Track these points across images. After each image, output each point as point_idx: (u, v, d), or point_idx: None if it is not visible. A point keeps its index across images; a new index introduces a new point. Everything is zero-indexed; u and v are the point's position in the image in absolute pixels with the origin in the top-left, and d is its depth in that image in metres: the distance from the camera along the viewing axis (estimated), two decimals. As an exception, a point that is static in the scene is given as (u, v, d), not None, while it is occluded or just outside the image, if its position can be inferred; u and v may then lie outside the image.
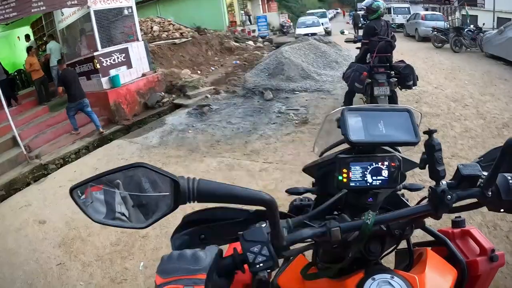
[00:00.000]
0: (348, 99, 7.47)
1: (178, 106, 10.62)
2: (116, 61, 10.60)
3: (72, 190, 0.80)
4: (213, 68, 15.21)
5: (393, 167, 1.06)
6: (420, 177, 4.66)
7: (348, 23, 36.42)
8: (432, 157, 0.99)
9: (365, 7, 7.85)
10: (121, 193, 0.80)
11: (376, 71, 6.74)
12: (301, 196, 1.41)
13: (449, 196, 0.96)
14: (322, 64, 12.38)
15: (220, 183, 0.83)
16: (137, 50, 11.36)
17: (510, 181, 0.99)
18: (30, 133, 8.94)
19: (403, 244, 1.21)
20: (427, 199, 1.02)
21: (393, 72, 6.85)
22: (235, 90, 11.11)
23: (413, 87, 7.13)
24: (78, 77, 9.01)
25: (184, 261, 0.82)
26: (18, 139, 7.85)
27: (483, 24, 17.76)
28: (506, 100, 8.51)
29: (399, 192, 1.29)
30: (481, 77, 10.96)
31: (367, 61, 7.07)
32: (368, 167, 1.05)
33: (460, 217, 1.35)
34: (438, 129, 6.64)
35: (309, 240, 1.01)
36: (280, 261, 1.03)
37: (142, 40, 11.91)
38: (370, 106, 1.14)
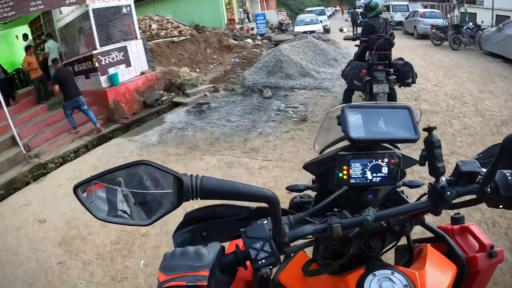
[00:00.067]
0: (347, 97, 7.48)
1: (177, 104, 10.61)
2: (115, 60, 10.59)
3: (76, 188, 0.80)
4: (212, 66, 15.23)
5: (393, 164, 1.06)
6: (419, 174, 4.67)
7: (346, 20, 36.40)
8: (431, 154, 0.99)
9: (363, 5, 7.85)
10: (123, 191, 0.80)
11: (375, 69, 6.74)
12: (301, 193, 1.43)
13: (449, 193, 0.97)
14: (321, 62, 12.39)
15: (222, 180, 0.83)
16: (136, 49, 11.35)
17: (509, 177, 1.00)
18: (29, 132, 8.91)
19: (403, 241, 1.21)
20: (426, 195, 1.02)
21: (392, 69, 6.85)
22: (234, 88, 11.12)
23: (412, 85, 7.13)
24: (73, 75, 8.99)
25: (187, 258, 0.82)
26: (17, 138, 7.84)
27: (482, 21, 17.75)
28: (505, 98, 8.52)
29: (399, 189, 1.29)
30: (480, 74, 10.97)
31: (366, 59, 7.06)
32: (368, 164, 1.06)
33: (459, 213, 1.35)
34: (437, 126, 6.66)
35: (310, 236, 1.01)
36: (281, 258, 1.04)
37: (141, 38, 11.91)
38: (370, 104, 1.14)
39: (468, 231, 1.30)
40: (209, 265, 0.81)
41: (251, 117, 8.57)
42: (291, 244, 0.97)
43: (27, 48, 11.01)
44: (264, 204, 0.88)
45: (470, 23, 17.10)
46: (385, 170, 1.07)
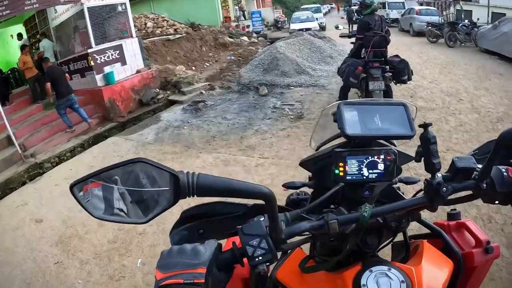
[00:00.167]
0: (343, 94, 7.49)
1: (173, 103, 10.61)
2: (110, 58, 10.56)
3: (72, 187, 0.80)
4: (208, 64, 15.20)
5: (389, 161, 1.07)
6: (415, 170, 4.68)
7: (342, 18, 36.46)
8: (427, 150, 1.00)
9: (359, 2, 7.86)
10: (119, 189, 0.81)
11: (371, 66, 6.75)
12: (297, 190, 1.44)
13: (445, 189, 0.97)
14: (317, 59, 12.41)
15: (219, 177, 0.84)
16: (131, 47, 11.33)
17: (505, 173, 1.01)
18: (25, 132, 8.87)
19: (400, 237, 1.21)
20: (422, 191, 1.03)
21: (388, 66, 6.87)
22: (230, 86, 11.12)
23: (408, 82, 7.15)
24: (64, 74, 8.95)
25: (184, 255, 0.82)
26: (13, 138, 7.80)
27: (478, 19, 17.87)
28: (501, 95, 8.56)
29: (395, 186, 1.30)
30: (476, 71, 11.02)
31: (362, 56, 7.08)
32: (364, 160, 1.06)
33: (455, 209, 1.36)
34: (433, 123, 6.72)
35: (307, 233, 1.01)
36: (278, 255, 1.04)
37: (136, 36, 11.87)
38: (366, 100, 1.15)
39: (464, 227, 1.31)
40: (206, 263, 0.81)
41: (247, 114, 8.58)
42: (288, 241, 0.97)
43: (22, 48, 10.96)
44: (261, 201, 0.88)
45: (466, 21, 17.21)
46: (381, 166, 1.07)
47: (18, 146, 7.83)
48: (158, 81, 11.62)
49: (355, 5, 23.70)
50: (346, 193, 1.10)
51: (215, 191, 0.83)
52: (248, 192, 0.86)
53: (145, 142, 7.81)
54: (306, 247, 1.19)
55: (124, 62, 10.98)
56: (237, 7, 30.31)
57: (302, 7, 38.77)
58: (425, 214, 1.17)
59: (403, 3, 28.04)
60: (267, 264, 0.88)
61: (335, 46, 13.83)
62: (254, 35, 23.51)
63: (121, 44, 10.93)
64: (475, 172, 1.02)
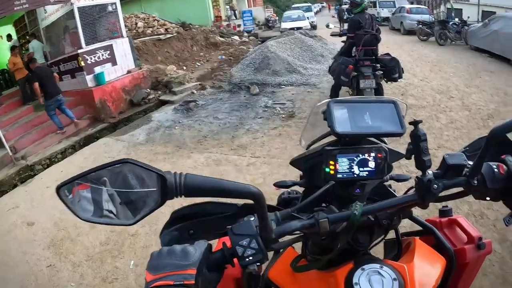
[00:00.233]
0: (334, 93, 7.51)
1: (164, 103, 10.59)
2: (101, 58, 10.51)
3: (58, 189, 0.79)
4: (199, 64, 15.18)
5: (379, 158, 1.07)
6: (407, 168, 4.70)
7: (333, 17, 36.46)
8: (418, 147, 1.00)
9: (349, 1, 7.88)
10: (108, 191, 0.79)
11: (362, 64, 6.78)
12: (289, 189, 1.44)
13: (435, 186, 0.97)
14: (308, 58, 12.45)
15: (207, 177, 0.83)
16: (122, 47, 11.28)
17: (496, 169, 1.01)
18: (15, 133, 8.82)
19: (392, 235, 1.22)
20: (414, 189, 1.03)
21: (379, 65, 6.90)
22: (221, 85, 11.14)
23: (399, 80, 7.19)
24: (52, 74, 8.90)
25: (174, 256, 0.82)
26: (3, 140, 7.74)
27: (468, 17, 18.01)
28: (491, 92, 8.63)
29: (386, 183, 1.31)
30: (466, 69, 11.10)
31: (353, 55, 7.10)
32: (355, 158, 1.06)
33: (447, 206, 1.36)
34: (424, 121, 6.72)
35: (298, 232, 1.01)
36: (270, 254, 1.03)
37: (127, 36, 11.82)
38: (356, 98, 1.15)
39: (456, 223, 1.32)
40: (196, 263, 0.81)
41: (238, 114, 8.59)
42: (280, 240, 0.97)
43: (12, 49, 10.90)
44: (251, 201, 0.88)
45: (456, 19, 17.30)
46: (372, 164, 1.07)
47: (9, 148, 7.77)
48: (149, 81, 11.58)
49: (345, 4, 23.74)
50: (337, 191, 1.09)
51: (203, 191, 0.82)
52: (237, 191, 0.86)
53: (136, 142, 7.79)
54: (298, 246, 1.19)
55: (114, 62, 10.92)
56: (228, 7, 30.28)
57: (293, 6, 38.82)
58: (417, 212, 1.17)
59: (393, 1, 28.09)
60: (257, 264, 0.88)
61: (326, 45, 13.88)
62: (245, 34, 23.48)
63: (111, 44, 10.88)
64: (466, 169, 1.02)
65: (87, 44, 10.20)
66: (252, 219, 0.92)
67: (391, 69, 6.83)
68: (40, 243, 4.78)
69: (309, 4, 37.61)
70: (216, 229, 1.12)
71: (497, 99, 8.16)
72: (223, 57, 15.66)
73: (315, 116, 1.26)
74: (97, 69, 10.29)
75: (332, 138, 1.14)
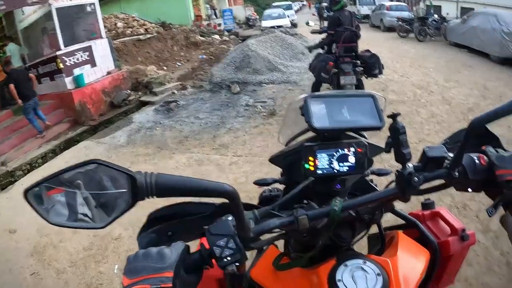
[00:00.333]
0: (315, 90, 7.54)
1: (145, 104, 10.50)
2: (80, 60, 10.36)
3: (26, 192, 0.77)
4: (179, 64, 15.10)
5: (359, 153, 1.07)
6: (389, 162, 4.74)
7: (314, 15, 36.56)
8: (397, 140, 0.99)
9: (328, -1, 7.93)
10: (82, 194, 0.77)
11: (342, 61, 6.84)
12: (270, 187, 1.42)
13: (416, 178, 0.97)
14: (289, 56, 12.47)
15: (179, 176, 0.81)
16: (101, 48, 11.16)
17: (477, 161, 1.01)
18: (-6, 139, 8.68)
19: (376, 229, 1.22)
20: (394, 182, 1.03)
21: (359, 61, 6.95)
22: (202, 85, 11.08)
23: (379, 76, 7.25)
24: (28, 76, 8.75)
25: (150, 259, 0.80)
26: (-18, 146, 7.62)
27: (447, 13, 18.24)
28: (471, 86, 8.78)
29: (367, 178, 1.31)
30: (446, 64, 11.26)
31: (333, 52, 7.14)
32: (334, 153, 1.06)
33: (429, 199, 1.37)
34: (405, 116, 6.86)
35: (278, 230, 1.00)
36: (254, 253, 1.03)
37: (106, 37, 11.70)
38: (334, 93, 1.15)
39: (439, 215, 1.32)
40: (172, 266, 0.79)
41: (219, 113, 8.58)
42: (262, 238, 0.97)
43: (-10, 53, 10.73)
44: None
45: (435, 15, 17.50)
46: (352, 159, 1.07)
47: (-11, 155, 7.64)
48: (129, 82, 11.48)
49: (325, 2, 23.85)
50: (317, 187, 1.08)
51: (176, 191, 0.80)
52: (210, 190, 0.83)
53: (117, 145, 7.73)
54: (281, 245, 1.19)
55: (94, 64, 10.78)
56: (208, 6, 30.20)
57: (273, 4, 38.78)
58: (401, 206, 1.17)
59: (374, -1, 28.37)
60: (236, 264, 0.86)
61: (307, 42, 13.87)
62: (226, 33, 23.43)
63: (90, 46, 10.73)
64: (446, 161, 1.02)
65: (66, 45, 10.04)
66: (230, 218, 0.90)
67: (371, 65, 6.90)
68: (23, 250, 4.69)
69: (290, 2, 37.64)
70: (195, 230, 1.09)
71: (477, 93, 8.29)
72: (204, 56, 15.59)
73: (293, 112, 1.23)
74: (76, 71, 10.14)
75: (311, 134, 1.13)
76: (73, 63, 10.13)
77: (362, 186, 1.25)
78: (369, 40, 14.56)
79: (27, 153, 8.27)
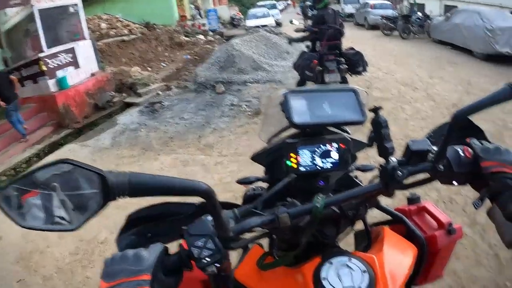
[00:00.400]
0: (300, 88, 7.54)
1: (129, 105, 10.42)
2: (63, 62, 10.24)
3: None
4: (164, 64, 15.07)
5: (343, 149, 1.06)
6: (374, 158, 4.76)
7: (298, 14, 36.66)
8: (379, 134, 1.00)
9: (312, -3, 7.95)
10: (59, 195, 0.75)
11: (327, 59, 6.83)
12: (253, 186, 1.40)
13: (400, 173, 0.96)
14: (273, 55, 12.46)
15: (153, 175, 0.79)
16: (85, 49, 11.05)
17: (461, 153, 1.01)
18: (-23, 144, 8.55)
19: (362, 226, 1.21)
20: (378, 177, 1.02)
21: (343, 59, 6.96)
22: (187, 85, 11.04)
23: (363, 73, 7.27)
24: (8, 78, 8.54)
25: (126, 262, 0.79)
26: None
27: (431, 11, 18.39)
28: (455, 82, 8.89)
29: (351, 174, 1.29)
30: (430, 61, 11.39)
31: (317, 50, 7.16)
32: (317, 150, 1.05)
33: (415, 194, 1.36)
34: (390, 112, 6.91)
35: (261, 229, 0.99)
36: (240, 253, 1.02)
37: (90, 38, 11.59)
38: (314, 88, 1.13)
39: (425, 210, 1.32)
40: (150, 268, 0.78)
41: (204, 113, 8.55)
42: (243, 238, 0.96)
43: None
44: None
45: (419, 13, 17.65)
46: (335, 155, 1.06)
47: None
48: (113, 84, 11.37)
49: (309, 1, 23.95)
50: (300, 184, 1.07)
51: (149, 190, 0.77)
52: (184, 189, 0.80)
53: (101, 147, 7.66)
54: (267, 244, 1.19)
55: (77, 66, 10.67)
56: (192, 6, 30.12)
57: (258, 3, 38.83)
58: (388, 201, 1.16)
59: (358, -3, 28.52)
60: (216, 265, 0.84)
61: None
62: (210, 33, 23.40)
63: (73, 47, 10.62)
64: (430, 154, 1.02)
65: (49, 47, 9.90)
66: (209, 218, 0.88)
67: (355, 63, 6.92)
68: (9, 257, 4.61)
69: (274, 2, 37.69)
70: (175, 231, 1.06)
71: (461, 88, 8.39)
72: (188, 56, 15.55)
73: (274, 109, 1.20)
74: (60, 73, 10.01)
75: (294, 130, 1.12)
76: (56, 65, 10.00)
77: (346, 183, 1.23)
78: (353, 38, 14.68)
79: (12, 158, 8.14)
